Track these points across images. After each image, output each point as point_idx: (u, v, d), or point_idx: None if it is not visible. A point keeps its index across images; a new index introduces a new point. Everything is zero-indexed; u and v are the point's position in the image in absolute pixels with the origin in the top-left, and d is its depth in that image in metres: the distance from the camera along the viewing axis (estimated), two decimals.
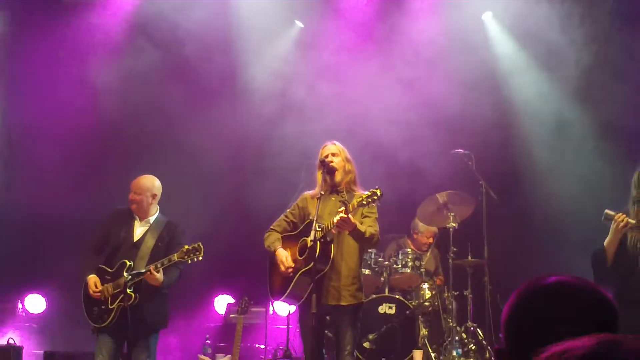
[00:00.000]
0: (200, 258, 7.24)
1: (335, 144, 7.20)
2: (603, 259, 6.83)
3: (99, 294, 7.39)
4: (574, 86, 9.73)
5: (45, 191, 10.01)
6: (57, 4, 10.60)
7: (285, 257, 7.06)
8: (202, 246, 7.22)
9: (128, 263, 7.42)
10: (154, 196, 7.71)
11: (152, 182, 7.76)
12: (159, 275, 7.24)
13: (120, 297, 7.38)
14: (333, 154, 7.12)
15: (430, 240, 9.75)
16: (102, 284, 7.43)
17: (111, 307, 7.44)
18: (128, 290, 7.32)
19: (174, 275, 7.44)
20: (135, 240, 7.61)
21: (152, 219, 7.72)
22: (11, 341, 9.52)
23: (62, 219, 8.86)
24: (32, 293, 10.35)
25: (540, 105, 10.11)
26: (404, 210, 9.60)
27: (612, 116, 9.48)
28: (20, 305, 10.37)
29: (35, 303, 10.40)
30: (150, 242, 7.56)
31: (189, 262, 7.29)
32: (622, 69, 9.35)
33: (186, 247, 7.23)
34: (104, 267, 7.56)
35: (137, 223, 7.71)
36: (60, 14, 10.56)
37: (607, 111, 9.51)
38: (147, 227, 7.68)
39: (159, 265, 7.26)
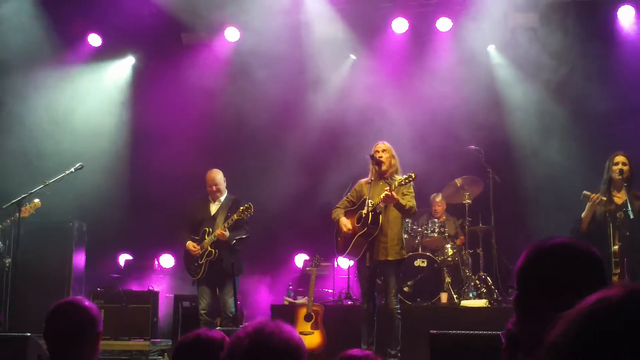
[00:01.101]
0: (252, 213, 7.60)
1: (384, 143, 7.28)
2: (579, 227, 6.93)
3: (197, 251, 7.71)
4: (554, 88, 9.66)
5: (169, 180, 10.15)
6: (178, 44, 10.76)
7: (346, 222, 7.18)
8: (251, 205, 7.60)
9: (208, 230, 7.78)
10: (220, 183, 8.01)
11: (218, 175, 8.07)
12: (226, 233, 7.60)
13: (205, 254, 7.68)
14: (382, 150, 7.19)
15: (444, 206, 9.70)
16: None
17: (201, 262, 7.73)
18: (209, 248, 7.64)
19: (239, 233, 7.72)
20: (212, 214, 7.96)
21: (222, 198, 8.08)
22: (151, 288, 9.74)
23: (184, 200, 9.00)
24: (164, 253, 10.47)
25: (528, 106, 10.00)
26: (432, 190, 9.63)
27: (584, 110, 9.44)
28: (156, 262, 10.50)
29: (167, 260, 10.52)
30: (222, 214, 7.89)
31: (245, 218, 7.63)
32: (589, 74, 9.29)
33: (241, 207, 7.57)
34: (193, 237, 7.92)
35: (212, 203, 8.04)
36: (180, 49, 10.73)
37: (580, 106, 9.48)
38: (219, 205, 8.02)
39: (225, 226, 7.65)
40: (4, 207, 7.63)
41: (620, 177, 6.88)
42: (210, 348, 2.55)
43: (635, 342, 0.98)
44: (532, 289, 1.94)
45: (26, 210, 7.74)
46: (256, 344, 1.78)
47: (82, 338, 2.78)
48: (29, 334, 4.61)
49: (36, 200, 7.79)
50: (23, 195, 7.33)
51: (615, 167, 6.93)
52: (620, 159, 6.97)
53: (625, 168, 6.91)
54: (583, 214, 6.95)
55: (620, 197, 6.92)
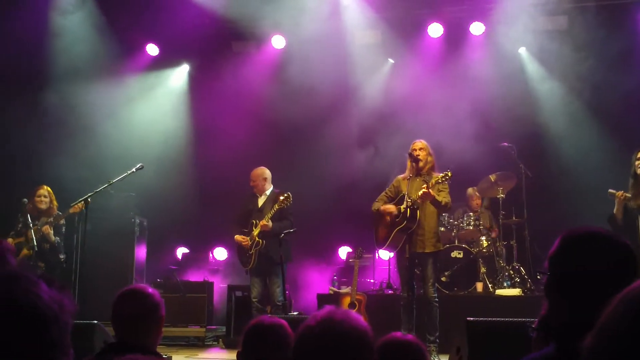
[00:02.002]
0: (290, 202, 7.71)
1: (421, 142, 7.29)
2: (615, 221, 6.92)
3: (246, 241, 7.86)
4: (582, 88, 9.54)
5: (221, 179, 10.31)
6: (229, 51, 10.90)
7: (388, 207, 7.18)
8: (290, 195, 7.71)
9: (255, 222, 7.90)
10: (265, 179, 8.13)
11: (262, 171, 8.19)
12: (269, 223, 7.68)
13: (254, 245, 7.76)
14: (420, 149, 7.20)
15: (479, 201, 9.64)
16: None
17: (251, 253, 7.82)
18: (257, 239, 7.72)
19: (284, 224, 7.82)
20: (259, 207, 8.04)
21: (267, 192, 8.12)
22: (206, 279, 9.88)
23: (235, 197, 9.09)
24: (218, 246, 10.60)
25: (558, 105, 9.90)
26: (467, 185, 9.58)
27: (613, 107, 9.31)
28: (210, 255, 10.66)
29: (220, 253, 10.64)
30: (268, 207, 7.93)
31: (285, 207, 7.69)
32: (618, 73, 9.15)
33: (281, 197, 7.65)
34: (243, 230, 8.03)
35: (259, 197, 8.12)
36: (231, 57, 10.84)
37: (609, 104, 9.35)
38: (265, 198, 8.07)
39: (268, 217, 7.73)
40: (72, 204, 7.82)
41: None
42: (277, 333, 2.60)
43: None
44: (563, 275, 1.90)
45: (77, 207, 7.88)
46: (327, 331, 1.79)
47: (147, 321, 2.87)
48: (95, 322, 4.72)
49: (80, 203, 7.90)
50: (89, 194, 7.48)
51: (638, 162, 6.85)
52: None
53: None
54: (614, 210, 6.92)
55: None
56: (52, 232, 7.95)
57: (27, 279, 1.37)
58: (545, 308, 2.40)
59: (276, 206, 7.72)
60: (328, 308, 1.87)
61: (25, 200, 7.90)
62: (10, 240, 7.81)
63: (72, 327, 1.43)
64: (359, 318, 1.86)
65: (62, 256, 8.15)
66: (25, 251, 7.85)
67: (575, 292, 1.84)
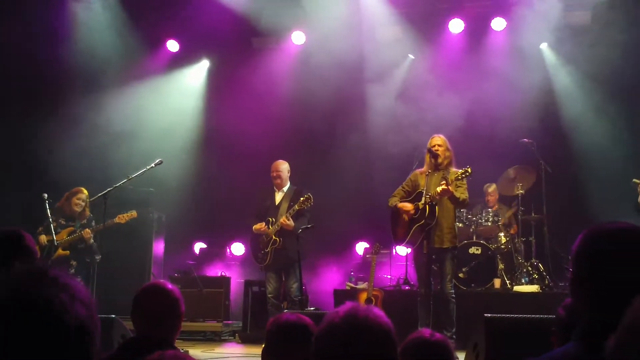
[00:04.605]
0: (312, 203, 7.63)
1: (440, 137, 7.28)
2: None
3: (264, 228, 7.88)
4: (605, 83, 9.48)
5: (239, 175, 10.31)
6: (249, 47, 10.92)
7: (406, 204, 7.19)
8: (311, 196, 7.65)
9: (271, 220, 7.84)
10: (282, 171, 8.09)
11: (285, 164, 8.18)
12: (290, 222, 7.64)
13: (271, 243, 7.74)
14: (438, 145, 7.19)
15: (496, 196, 9.57)
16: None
17: (267, 250, 7.81)
18: (274, 237, 7.71)
19: (302, 222, 7.77)
20: (276, 203, 8.00)
21: (285, 188, 8.13)
22: (223, 274, 9.94)
23: (252, 192, 9.16)
24: (235, 241, 10.63)
25: (579, 99, 9.86)
26: (485, 181, 9.55)
27: (636, 102, 9.25)
28: (228, 250, 10.69)
29: (237, 248, 10.67)
30: (285, 204, 7.93)
31: (305, 208, 7.65)
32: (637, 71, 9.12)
33: (302, 198, 7.60)
34: (261, 223, 7.97)
35: (277, 193, 8.08)
36: (251, 52, 10.88)
37: (631, 99, 9.30)
38: (283, 194, 8.07)
39: (288, 215, 7.63)
40: (91, 199, 7.88)
41: None
42: (303, 330, 2.62)
43: None
44: (588, 271, 1.83)
45: (123, 218, 7.97)
46: (352, 326, 1.79)
47: (167, 317, 2.92)
48: (113, 316, 4.78)
49: (133, 212, 7.99)
50: (108, 189, 7.53)
51: None
52: None
53: None
54: (639, 199, 6.90)
55: None
56: (92, 235, 7.97)
57: (51, 278, 1.29)
58: (564, 306, 2.37)
59: (296, 207, 7.70)
60: (350, 304, 1.88)
61: (45, 195, 7.90)
62: (43, 237, 7.83)
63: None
64: (382, 314, 1.87)
65: (97, 257, 8.11)
66: (60, 251, 7.89)
67: (601, 290, 1.78)
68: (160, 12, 10.31)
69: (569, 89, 10.00)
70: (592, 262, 1.83)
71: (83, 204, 8.08)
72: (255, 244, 8.10)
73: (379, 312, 1.87)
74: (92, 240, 7.97)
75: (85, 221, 8.08)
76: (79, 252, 7.99)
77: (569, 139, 9.86)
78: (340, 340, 1.78)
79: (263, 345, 2.74)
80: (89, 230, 7.91)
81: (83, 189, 8.15)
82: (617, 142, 9.33)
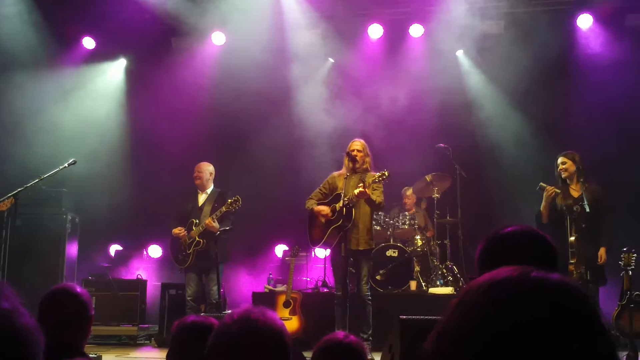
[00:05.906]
0: (240, 205, 7.55)
1: (360, 141, 7.37)
2: (540, 220, 7.03)
3: (184, 233, 7.86)
4: (516, 91, 9.79)
5: (157, 176, 10.15)
6: (168, 47, 10.74)
7: (323, 207, 7.23)
8: (239, 198, 7.58)
9: (195, 221, 7.81)
10: (211, 174, 8.11)
11: (209, 166, 8.17)
12: (216, 224, 7.61)
13: (193, 244, 7.69)
14: (358, 150, 7.26)
15: (414, 200, 9.78)
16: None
17: (189, 252, 7.76)
18: (197, 238, 7.65)
19: (227, 224, 7.74)
20: (199, 205, 7.98)
21: (209, 190, 8.12)
22: (139, 276, 9.74)
23: (171, 194, 9.02)
24: (153, 244, 10.47)
25: (493, 108, 10.13)
26: (403, 184, 9.70)
27: (544, 111, 9.59)
28: (145, 252, 10.51)
29: (154, 250, 10.51)
30: (209, 206, 7.92)
31: (233, 210, 7.59)
32: (549, 79, 9.47)
33: (229, 200, 7.56)
34: (181, 227, 7.91)
35: (200, 195, 8.04)
36: (170, 52, 10.70)
37: (540, 108, 9.63)
38: (206, 196, 8.04)
39: (214, 217, 7.63)
40: (1, 200, 7.60)
41: (564, 175, 7.05)
42: (210, 331, 2.59)
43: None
44: (486, 271, 1.89)
45: (3, 205, 7.68)
46: (243, 330, 1.82)
47: (75, 322, 2.83)
48: None
49: (11, 198, 7.67)
50: (19, 189, 7.28)
51: (561, 167, 7.09)
52: (560, 160, 7.12)
53: (566, 166, 7.04)
54: (541, 206, 7.06)
55: (576, 191, 7.03)
56: None
57: None
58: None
59: (224, 208, 7.63)
60: (245, 307, 1.91)
61: None
62: None
63: None
64: (275, 316, 1.90)
65: None
66: None
67: None
68: (77, 8, 10.02)
69: (481, 94, 10.27)
70: (491, 264, 1.81)
71: None
72: (176, 245, 7.99)
73: (271, 315, 1.89)
74: None
75: None
76: None
77: (481, 144, 10.11)
78: (232, 343, 1.80)
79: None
80: None
81: None
82: (529, 148, 9.62)
